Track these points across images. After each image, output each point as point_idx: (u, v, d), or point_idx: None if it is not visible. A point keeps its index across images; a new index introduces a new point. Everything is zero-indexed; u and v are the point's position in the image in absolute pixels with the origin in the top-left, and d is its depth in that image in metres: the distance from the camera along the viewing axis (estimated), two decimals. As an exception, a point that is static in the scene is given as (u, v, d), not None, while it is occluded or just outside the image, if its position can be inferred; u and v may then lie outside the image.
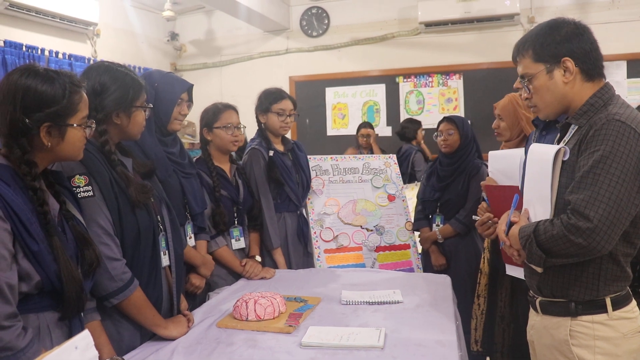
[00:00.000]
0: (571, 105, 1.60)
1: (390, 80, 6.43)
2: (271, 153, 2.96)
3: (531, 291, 1.69)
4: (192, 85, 2.41)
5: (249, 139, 3.38)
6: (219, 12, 6.64)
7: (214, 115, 2.67)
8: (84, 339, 1.06)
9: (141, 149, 2.23)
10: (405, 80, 6.37)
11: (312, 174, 3.26)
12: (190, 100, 2.41)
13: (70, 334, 1.41)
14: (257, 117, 3.05)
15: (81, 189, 1.65)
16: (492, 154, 2.12)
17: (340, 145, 6.23)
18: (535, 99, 1.65)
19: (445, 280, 2.52)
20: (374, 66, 6.47)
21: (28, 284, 1.34)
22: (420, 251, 3.29)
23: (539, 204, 1.59)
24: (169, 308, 1.92)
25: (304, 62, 6.79)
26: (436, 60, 6.15)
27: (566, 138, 1.58)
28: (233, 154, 2.87)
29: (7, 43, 4.67)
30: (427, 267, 3.20)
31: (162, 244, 1.89)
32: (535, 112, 1.69)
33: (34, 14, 4.85)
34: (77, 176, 1.66)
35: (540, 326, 1.64)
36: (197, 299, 2.45)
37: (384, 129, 6.45)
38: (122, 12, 6.16)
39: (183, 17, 7.09)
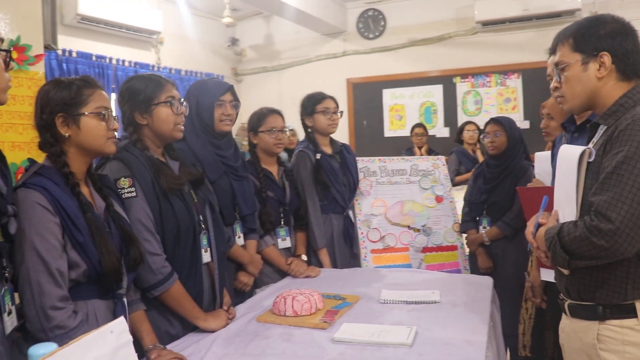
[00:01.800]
0: (599, 102, 1.58)
1: (447, 81, 6.39)
2: (318, 156, 3.03)
3: (561, 294, 1.68)
4: (231, 86, 2.48)
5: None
6: (277, 17, 6.80)
7: (258, 119, 2.78)
8: (119, 324, 1.17)
9: (193, 153, 2.37)
10: (462, 80, 6.31)
11: (360, 175, 3.31)
12: (235, 100, 2.49)
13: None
14: (303, 123, 3.12)
15: (125, 190, 1.81)
16: (538, 155, 2.12)
17: (397, 146, 6.25)
18: (565, 89, 1.63)
19: (487, 281, 2.51)
20: (431, 67, 6.45)
21: (76, 271, 1.49)
22: (467, 253, 3.29)
23: (566, 206, 1.58)
24: (211, 302, 2.04)
25: (361, 64, 6.86)
26: (494, 59, 6.06)
27: (595, 139, 1.57)
28: (283, 154, 2.97)
29: (79, 54, 5.01)
30: (474, 269, 3.18)
31: (204, 242, 2.01)
32: (561, 103, 1.67)
33: (102, 25, 5.18)
34: (122, 179, 1.82)
35: (569, 329, 1.63)
36: (245, 296, 2.56)
37: (441, 130, 6.42)
38: (184, 21, 6.43)
39: (243, 23, 7.31)
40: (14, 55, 2.94)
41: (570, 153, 1.60)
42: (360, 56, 6.87)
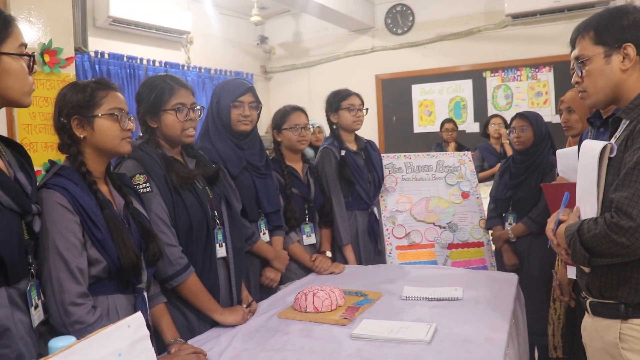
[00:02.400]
0: (623, 95, 1.54)
1: (477, 75, 6.31)
2: (343, 152, 3.04)
3: (583, 292, 1.65)
4: (251, 88, 2.50)
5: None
6: (306, 14, 6.83)
7: (282, 117, 2.80)
8: (136, 319, 1.21)
9: (216, 150, 2.41)
10: (492, 74, 6.22)
11: (386, 171, 3.31)
12: (256, 102, 2.50)
13: (135, 314, 1.59)
14: (328, 119, 3.14)
15: (141, 186, 1.87)
16: (559, 152, 2.08)
17: (427, 142, 6.21)
18: (587, 83, 1.60)
19: (511, 278, 2.48)
20: (461, 61, 6.38)
21: (97, 268, 1.55)
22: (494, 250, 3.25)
23: (588, 202, 1.55)
24: (228, 297, 2.08)
25: (389, 59, 6.83)
26: (524, 53, 5.96)
27: (617, 134, 1.54)
28: (310, 151, 2.98)
29: (111, 55, 5.12)
30: (500, 266, 3.14)
31: (219, 237, 2.05)
32: (583, 98, 1.64)
33: (133, 27, 5.29)
34: (137, 175, 1.89)
35: (591, 328, 1.61)
36: (272, 292, 2.58)
37: (470, 125, 6.35)
38: (213, 20, 6.51)
39: (271, 21, 7.36)
40: (46, 58, 3.04)
41: (591, 148, 1.57)
42: (388, 52, 6.84)
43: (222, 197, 2.16)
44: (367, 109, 3.13)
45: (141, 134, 2.10)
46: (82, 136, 1.62)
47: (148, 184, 1.88)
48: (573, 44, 1.65)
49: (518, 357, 1.93)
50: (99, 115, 1.62)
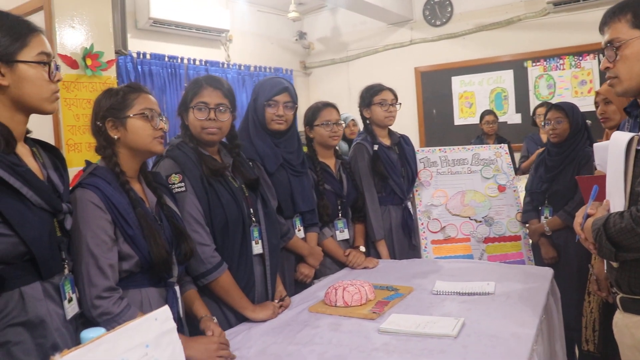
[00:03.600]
0: None
1: (518, 65, 6.17)
2: (376, 147, 3.05)
3: (613, 287, 1.62)
4: (287, 87, 2.52)
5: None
6: (343, 9, 6.83)
7: (313, 114, 2.83)
8: (163, 312, 1.26)
9: (253, 146, 2.46)
10: (534, 64, 6.07)
11: (420, 166, 3.31)
12: (292, 102, 2.52)
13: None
14: (361, 114, 3.16)
15: (175, 185, 1.93)
16: (595, 146, 2.02)
17: (468, 134, 6.13)
18: (621, 69, 1.54)
19: (546, 273, 2.44)
20: (501, 52, 6.25)
21: (129, 262, 1.63)
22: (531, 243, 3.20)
23: (616, 196, 1.53)
24: (263, 293, 2.13)
25: (428, 52, 6.76)
26: (567, 40, 5.78)
27: (649, 125, 1.50)
28: (344, 145, 3.00)
29: (152, 55, 5.27)
30: (538, 260, 3.09)
31: (255, 234, 2.10)
32: (613, 85, 1.59)
33: (173, 27, 5.41)
34: (173, 175, 1.95)
35: (622, 324, 1.57)
36: (306, 287, 2.62)
37: (512, 117, 6.23)
38: (251, 18, 6.60)
39: (309, 16, 7.39)
40: (88, 62, 3.17)
41: (619, 140, 1.54)
42: (427, 44, 6.76)
43: (259, 195, 2.21)
44: (400, 104, 3.12)
45: (178, 134, 2.18)
46: (116, 137, 1.70)
47: (183, 184, 1.94)
48: (602, 27, 1.60)
49: (549, 353, 1.91)
50: (131, 115, 1.69)
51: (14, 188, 1.35)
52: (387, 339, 1.74)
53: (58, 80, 1.50)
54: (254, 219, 2.12)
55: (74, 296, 1.52)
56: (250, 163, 2.34)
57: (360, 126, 3.62)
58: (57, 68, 1.49)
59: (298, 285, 2.60)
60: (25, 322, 1.36)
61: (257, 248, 2.11)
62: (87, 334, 1.17)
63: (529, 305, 1.99)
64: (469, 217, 3.21)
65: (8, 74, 1.40)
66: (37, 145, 1.56)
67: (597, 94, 2.47)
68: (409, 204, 3.18)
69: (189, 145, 2.05)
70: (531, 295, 2.12)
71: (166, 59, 5.42)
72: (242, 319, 2.02)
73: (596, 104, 2.51)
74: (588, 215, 1.58)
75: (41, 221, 1.40)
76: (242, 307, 1.99)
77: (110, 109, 1.70)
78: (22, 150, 1.48)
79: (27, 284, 1.38)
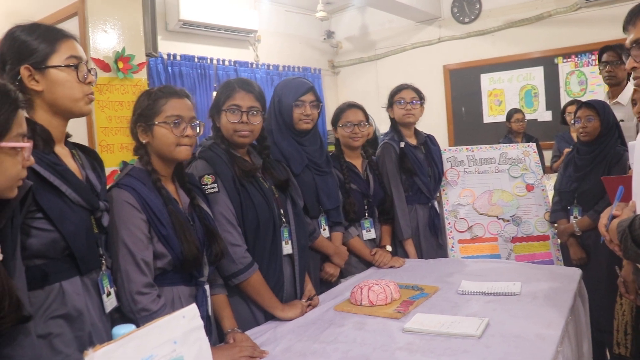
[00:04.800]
0: None
1: (548, 62, 6.07)
2: (402, 144, 3.06)
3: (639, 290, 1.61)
4: (312, 87, 2.55)
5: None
6: (371, 7, 6.82)
7: (337, 114, 2.86)
8: (191, 310, 1.30)
9: (278, 148, 2.50)
10: (565, 60, 5.97)
11: (447, 165, 3.31)
12: (317, 100, 2.56)
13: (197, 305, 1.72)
14: (388, 114, 3.17)
15: (208, 186, 1.98)
16: (630, 145, 2.00)
17: (497, 132, 6.06)
18: None
19: (574, 273, 2.42)
20: (531, 48, 6.16)
21: (163, 261, 1.69)
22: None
23: (642, 197, 1.52)
24: (292, 292, 2.17)
25: (457, 49, 6.70)
26: (599, 36, 5.64)
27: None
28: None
29: (182, 57, 5.36)
30: (566, 260, 3.05)
31: (285, 234, 2.14)
32: (639, 86, 1.58)
33: (202, 28, 5.50)
34: (206, 176, 1.99)
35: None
36: (331, 286, 2.65)
37: (543, 114, 6.14)
38: (279, 18, 6.64)
39: (337, 15, 7.40)
40: (120, 65, 3.25)
41: (645, 140, 1.53)
42: (456, 42, 6.71)
43: (288, 195, 2.24)
44: (423, 101, 3.11)
45: (210, 135, 2.23)
46: (144, 141, 1.76)
47: (215, 185, 1.99)
48: (627, 25, 1.58)
49: (576, 356, 1.89)
50: (157, 123, 1.74)
51: (54, 186, 1.42)
52: (411, 338, 1.76)
53: (90, 83, 1.56)
54: (284, 219, 2.16)
55: (112, 290, 1.59)
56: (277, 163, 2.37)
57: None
58: (89, 71, 1.56)
59: (323, 284, 2.63)
60: (65, 314, 1.43)
61: (287, 248, 2.15)
62: (119, 330, 1.22)
63: (555, 306, 1.98)
64: (497, 217, 3.19)
65: (41, 79, 1.48)
66: (76, 148, 1.64)
67: (636, 91, 2.42)
68: (436, 203, 3.18)
69: (221, 147, 2.10)
70: (558, 296, 2.10)
71: (196, 59, 5.50)
72: (269, 317, 2.06)
73: (634, 101, 2.46)
74: (613, 217, 1.57)
75: (79, 218, 1.47)
76: (271, 307, 2.03)
77: (141, 115, 1.76)
78: (62, 152, 1.55)
79: (67, 279, 1.45)
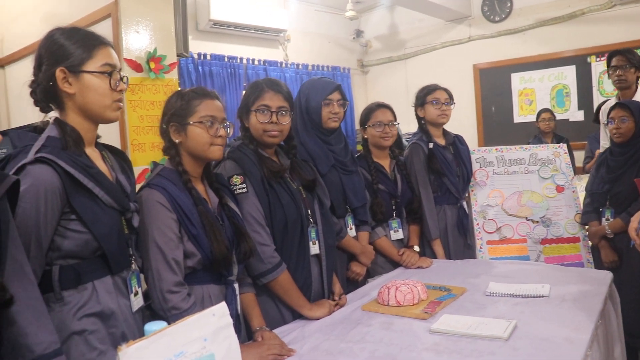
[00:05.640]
0: None
1: (581, 61, 5.96)
2: (431, 145, 3.06)
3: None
4: (339, 86, 2.57)
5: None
6: (400, 7, 6.79)
7: (366, 114, 2.86)
8: (221, 308, 1.33)
9: (305, 148, 2.52)
10: (598, 59, 5.84)
11: (476, 165, 3.29)
12: (343, 99, 2.57)
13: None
14: (416, 114, 3.16)
15: (237, 186, 2.00)
16: None
17: (527, 132, 5.98)
18: None
19: (605, 276, 2.38)
20: (563, 47, 6.05)
21: (193, 260, 1.72)
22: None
23: (675, 200, 1.49)
24: (320, 292, 2.18)
25: (487, 48, 6.62)
26: (634, 34, 5.51)
27: None
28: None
29: (213, 56, 5.42)
30: (598, 263, 3.00)
31: (312, 234, 2.16)
32: None
33: (232, 28, 5.55)
34: (235, 176, 2.02)
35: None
36: (358, 285, 2.66)
37: (575, 114, 6.03)
38: (309, 17, 6.65)
39: (366, 15, 7.39)
40: (152, 65, 3.31)
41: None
42: (486, 40, 6.63)
43: (316, 196, 2.26)
44: (454, 103, 3.11)
45: (239, 136, 2.25)
46: (177, 141, 1.79)
47: (244, 185, 2.01)
48: None
49: None
50: (191, 122, 1.77)
51: (87, 188, 1.47)
52: (438, 339, 1.76)
53: (121, 90, 1.60)
54: (311, 219, 2.18)
55: (139, 290, 1.63)
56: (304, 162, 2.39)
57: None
58: (121, 79, 1.59)
59: (350, 283, 2.64)
60: (99, 312, 1.48)
61: (314, 248, 2.17)
62: (151, 326, 1.26)
63: (584, 309, 1.96)
64: (526, 218, 3.16)
65: (75, 83, 1.53)
66: (106, 149, 1.68)
67: None
68: (465, 203, 3.16)
69: (249, 147, 2.11)
70: (587, 299, 2.08)
71: (226, 59, 5.56)
72: (297, 316, 2.08)
73: None
74: (646, 220, 1.55)
75: (111, 219, 1.51)
76: (299, 306, 2.05)
77: (174, 115, 1.79)
78: (93, 154, 1.60)
79: (99, 278, 1.50)
